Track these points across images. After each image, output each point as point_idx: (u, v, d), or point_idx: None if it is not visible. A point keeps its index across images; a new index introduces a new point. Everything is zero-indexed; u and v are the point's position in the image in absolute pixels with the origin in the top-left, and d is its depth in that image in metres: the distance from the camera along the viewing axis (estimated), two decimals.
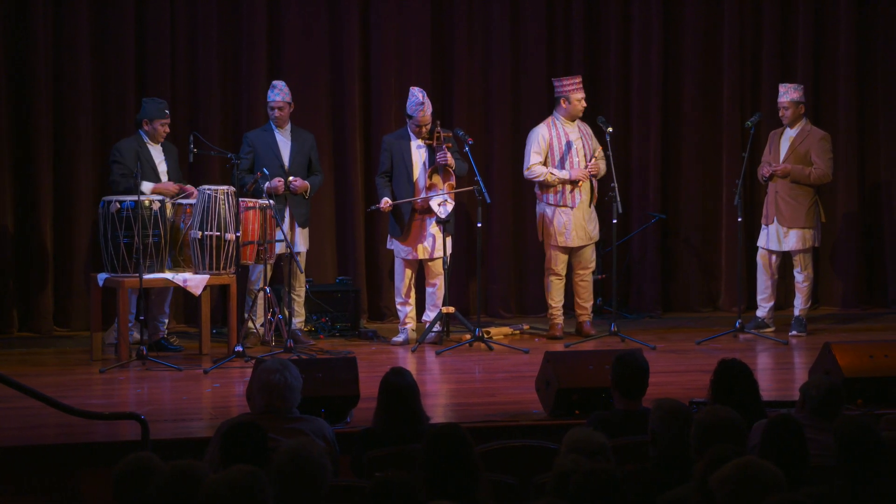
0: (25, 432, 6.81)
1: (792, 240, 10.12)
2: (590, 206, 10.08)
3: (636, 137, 11.34)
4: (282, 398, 5.53)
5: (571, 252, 10.11)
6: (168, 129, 9.47)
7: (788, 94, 10.10)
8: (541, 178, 9.93)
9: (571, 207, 9.97)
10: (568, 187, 9.95)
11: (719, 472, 4.03)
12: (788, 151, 10.10)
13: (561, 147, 9.95)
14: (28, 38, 10.21)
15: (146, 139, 9.43)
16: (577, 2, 11.30)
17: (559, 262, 10.10)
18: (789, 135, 10.15)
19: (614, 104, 11.35)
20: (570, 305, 10.35)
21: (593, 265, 10.27)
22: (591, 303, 10.27)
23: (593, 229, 10.15)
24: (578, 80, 10.11)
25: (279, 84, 9.72)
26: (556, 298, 10.12)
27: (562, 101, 10.02)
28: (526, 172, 10.05)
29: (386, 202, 9.72)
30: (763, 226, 10.20)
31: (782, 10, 11.55)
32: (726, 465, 4.04)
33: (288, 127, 9.74)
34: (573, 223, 10.01)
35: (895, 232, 11.58)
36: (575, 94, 9.99)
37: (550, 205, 10.00)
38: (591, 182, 10.05)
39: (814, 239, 10.17)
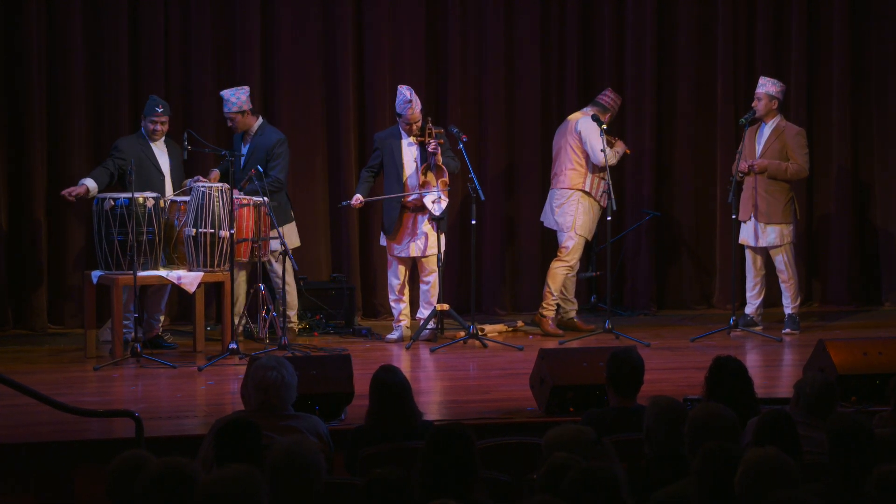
0: (19, 430, 6.80)
1: (770, 236, 10.10)
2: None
3: (630, 135, 11.32)
4: (277, 395, 5.52)
5: None
6: (161, 127, 9.43)
7: (766, 86, 10.10)
8: (611, 161, 9.92)
9: (602, 206, 10.01)
10: (604, 185, 9.92)
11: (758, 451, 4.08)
12: (765, 147, 10.08)
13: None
14: (21, 37, 10.17)
15: (146, 136, 9.44)
16: (572, 0, 11.30)
17: (579, 255, 10.14)
18: (764, 130, 10.14)
19: None
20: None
21: None
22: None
23: None
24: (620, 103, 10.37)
25: (226, 94, 9.63)
26: (559, 290, 10.11)
27: (605, 114, 10.06)
28: (601, 158, 9.81)
29: (357, 199, 9.72)
30: (741, 222, 10.17)
31: (776, 7, 11.54)
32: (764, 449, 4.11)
33: (252, 130, 9.66)
34: (597, 219, 10.11)
35: (888, 229, 11.58)
36: (614, 114, 10.22)
37: (588, 195, 10.04)
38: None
39: (792, 235, 10.17)
